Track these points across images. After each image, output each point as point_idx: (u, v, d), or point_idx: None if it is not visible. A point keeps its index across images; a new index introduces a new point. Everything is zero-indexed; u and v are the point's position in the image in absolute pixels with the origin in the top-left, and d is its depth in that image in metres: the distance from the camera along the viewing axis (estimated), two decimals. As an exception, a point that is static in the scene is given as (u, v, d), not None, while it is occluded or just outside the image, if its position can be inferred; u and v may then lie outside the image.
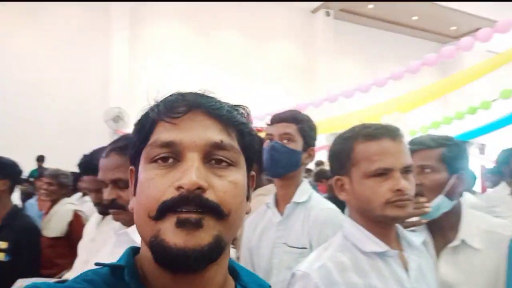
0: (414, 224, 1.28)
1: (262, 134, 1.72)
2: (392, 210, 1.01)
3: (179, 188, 0.52)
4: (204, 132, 0.56)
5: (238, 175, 0.58)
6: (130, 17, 7.85)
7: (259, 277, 0.70)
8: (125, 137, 1.26)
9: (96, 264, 0.61)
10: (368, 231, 1.05)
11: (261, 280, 0.69)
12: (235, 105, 0.62)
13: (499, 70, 5.32)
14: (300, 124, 1.60)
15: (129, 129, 6.61)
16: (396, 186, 1.00)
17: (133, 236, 1.15)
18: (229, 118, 0.59)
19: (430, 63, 4.28)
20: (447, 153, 1.35)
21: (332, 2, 8.94)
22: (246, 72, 8.44)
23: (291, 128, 1.58)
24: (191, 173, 0.53)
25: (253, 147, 0.63)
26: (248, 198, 0.62)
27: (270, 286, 0.70)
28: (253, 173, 0.65)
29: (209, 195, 0.53)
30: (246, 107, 0.64)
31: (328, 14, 9.06)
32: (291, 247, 1.48)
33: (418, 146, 1.37)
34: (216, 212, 0.53)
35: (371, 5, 9.21)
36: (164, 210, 0.52)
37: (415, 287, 1.02)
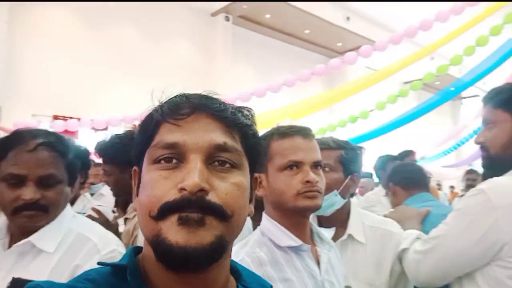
0: None
1: None
2: (303, 201, 1.07)
3: (181, 190, 0.52)
4: (207, 134, 0.56)
5: (241, 177, 0.58)
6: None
7: (261, 277, 0.70)
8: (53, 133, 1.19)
9: (99, 263, 0.60)
10: (283, 226, 1.10)
11: (263, 280, 0.69)
12: (239, 107, 0.62)
13: (376, 85, 5.97)
14: None
15: (3, 123, 5.88)
16: (306, 178, 1.07)
17: (40, 245, 1.08)
18: (233, 120, 0.59)
19: (319, 73, 4.62)
20: (345, 155, 1.49)
21: (232, 8, 9.09)
22: (140, 71, 8.09)
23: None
24: (194, 175, 0.52)
25: (257, 149, 0.63)
26: (251, 200, 0.62)
27: (271, 286, 0.69)
28: (256, 175, 0.65)
29: (212, 197, 0.53)
30: (251, 109, 0.64)
31: (227, 19, 9.19)
32: None
33: (320, 145, 1.46)
34: (219, 213, 0.53)
35: (268, 15, 9.59)
36: (166, 211, 0.52)
37: (326, 279, 1.09)
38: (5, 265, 1.07)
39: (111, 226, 1.79)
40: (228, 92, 8.16)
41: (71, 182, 1.18)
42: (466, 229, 1.23)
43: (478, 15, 4.97)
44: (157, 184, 0.54)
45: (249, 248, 1.09)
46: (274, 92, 4.77)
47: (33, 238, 1.08)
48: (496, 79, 7.26)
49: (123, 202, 2.00)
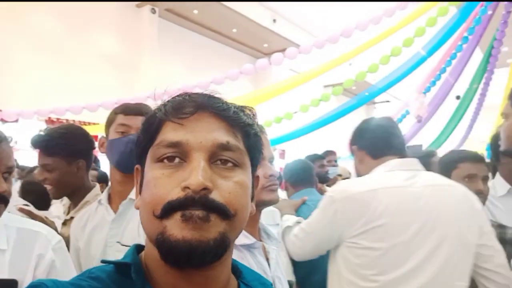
0: None
1: (91, 129, 1.61)
2: (267, 195, 1.12)
3: (185, 188, 0.53)
4: (210, 133, 0.57)
5: (243, 176, 0.58)
6: None
7: (261, 275, 0.70)
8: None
9: (102, 261, 0.60)
10: None
11: (263, 278, 0.70)
12: (241, 106, 0.63)
13: (300, 87, 6.22)
14: None
15: None
16: (269, 172, 1.13)
17: None
18: (236, 119, 0.59)
19: (247, 73, 4.69)
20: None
21: (157, 1, 8.84)
22: (60, 61, 7.53)
23: None
24: (198, 173, 0.53)
25: (258, 148, 0.64)
26: (252, 198, 0.63)
27: (272, 284, 0.70)
28: (257, 174, 0.65)
29: (215, 196, 0.53)
30: (252, 108, 0.65)
31: (153, 11, 8.91)
32: (125, 245, 1.40)
33: None
34: (222, 212, 0.53)
35: (195, 11, 9.50)
36: (169, 209, 0.52)
37: (275, 275, 1.13)
38: None
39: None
40: (154, 85, 7.91)
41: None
42: (317, 219, 1.57)
43: (393, 27, 5.42)
44: (160, 183, 0.55)
45: None
46: (202, 89, 4.74)
47: None
48: (404, 87, 7.97)
49: (76, 201, 1.85)
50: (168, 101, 0.61)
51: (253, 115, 0.65)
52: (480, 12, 5.79)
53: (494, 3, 5.83)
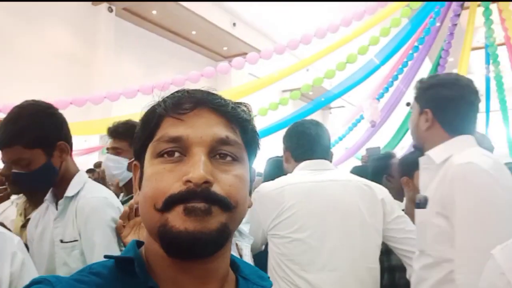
0: None
1: None
2: None
3: (186, 182, 0.54)
4: (210, 128, 0.58)
5: (242, 170, 0.60)
6: None
7: (259, 269, 0.71)
8: None
9: (105, 256, 0.60)
10: None
11: (261, 272, 0.71)
12: (237, 103, 0.64)
13: (258, 92, 6.29)
14: None
15: None
16: None
17: None
18: (234, 115, 0.61)
19: (208, 75, 4.69)
20: None
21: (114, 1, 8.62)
22: (12, 56, 7.15)
23: None
24: (199, 167, 0.54)
25: (255, 143, 0.66)
26: (250, 192, 0.64)
27: (269, 277, 0.71)
28: (254, 168, 0.62)
29: (216, 189, 0.55)
30: (248, 104, 0.66)
31: (110, 10, 8.68)
32: (65, 242, 1.42)
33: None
34: (224, 204, 0.55)
35: (154, 11, 9.35)
36: (171, 202, 0.54)
37: None
38: None
39: None
40: (110, 85, 7.71)
41: None
42: (250, 219, 1.81)
43: (348, 35, 5.62)
44: (161, 177, 0.55)
45: None
46: (162, 91, 4.68)
47: None
48: (358, 93, 8.27)
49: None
50: (167, 97, 0.62)
51: (249, 111, 0.66)
52: (429, 23, 6.14)
53: (441, 15, 6.20)
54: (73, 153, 1.58)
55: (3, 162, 1.58)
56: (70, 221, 1.44)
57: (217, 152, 0.58)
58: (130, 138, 1.92)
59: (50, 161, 1.42)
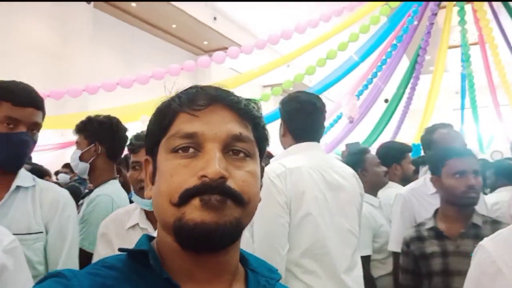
0: None
1: None
2: None
3: (202, 177, 0.54)
4: (224, 124, 0.59)
5: (254, 166, 0.61)
6: None
7: (267, 262, 0.71)
8: None
9: (120, 249, 0.60)
10: None
11: (269, 265, 0.70)
12: (247, 99, 0.64)
13: (240, 87, 6.30)
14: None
15: None
16: None
17: None
18: (247, 111, 0.62)
19: (189, 69, 4.67)
20: None
21: (94, -10, 8.45)
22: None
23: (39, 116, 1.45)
24: (214, 163, 0.55)
25: (266, 139, 0.66)
26: (260, 187, 0.64)
27: (277, 270, 0.70)
28: (263, 164, 0.67)
29: (231, 184, 0.55)
30: (258, 101, 0.66)
31: (88, 1, 8.48)
32: (20, 234, 1.31)
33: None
34: (238, 199, 0.56)
35: (133, 4, 9.21)
36: (187, 197, 0.54)
37: None
38: None
39: None
40: (87, 78, 7.57)
41: None
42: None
43: (328, 32, 5.68)
44: (176, 172, 0.56)
45: None
46: (141, 84, 4.64)
47: None
48: (337, 90, 8.37)
49: None
50: (181, 92, 0.62)
51: (259, 108, 0.66)
52: (407, 22, 6.26)
53: (419, 14, 6.33)
54: (50, 147, 1.55)
55: None
56: (23, 212, 1.38)
57: (231, 148, 0.59)
58: (86, 132, 1.98)
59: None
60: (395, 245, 2.14)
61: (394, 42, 6.63)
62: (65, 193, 1.50)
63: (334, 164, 1.83)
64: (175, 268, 0.59)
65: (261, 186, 0.65)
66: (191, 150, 0.58)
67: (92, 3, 8.66)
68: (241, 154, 0.60)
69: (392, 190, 2.60)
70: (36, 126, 1.41)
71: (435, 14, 6.21)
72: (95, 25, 8.77)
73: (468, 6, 6.26)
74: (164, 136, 0.60)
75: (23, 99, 1.36)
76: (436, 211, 1.84)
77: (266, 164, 1.87)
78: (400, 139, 7.99)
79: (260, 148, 0.65)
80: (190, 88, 0.63)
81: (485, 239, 1.06)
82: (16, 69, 7.25)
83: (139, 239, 0.64)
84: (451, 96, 12.55)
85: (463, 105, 8.57)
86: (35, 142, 1.42)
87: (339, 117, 7.74)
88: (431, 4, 5.98)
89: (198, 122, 0.58)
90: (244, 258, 0.68)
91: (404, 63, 7.80)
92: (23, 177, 1.43)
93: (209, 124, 0.58)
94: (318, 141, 1.86)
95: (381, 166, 2.56)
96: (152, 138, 0.63)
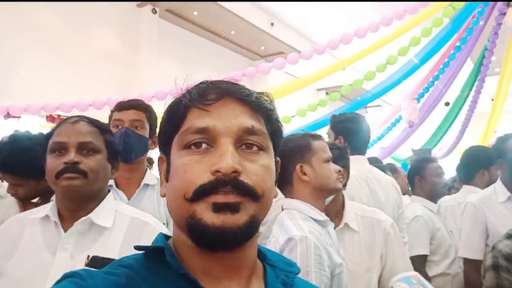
0: None
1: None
2: (339, 184, 1.46)
3: (215, 172, 0.54)
4: (236, 118, 0.58)
5: (268, 159, 0.60)
6: None
7: (285, 257, 0.71)
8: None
9: (135, 247, 0.61)
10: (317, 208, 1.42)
11: (287, 259, 0.70)
12: (259, 92, 0.64)
13: (298, 92, 6.39)
14: (148, 112, 1.78)
15: None
16: (338, 168, 1.49)
17: (99, 221, 1.17)
18: (258, 104, 0.61)
19: (250, 75, 4.85)
20: (334, 154, 1.69)
21: (159, 1, 8.95)
22: (59, 59, 7.55)
23: (141, 116, 1.74)
24: (228, 157, 0.54)
25: (280, 133, 0.66)
26: (275, 182, 0.64)
27: (295, 263, 0.70)
28: (278, 158, 0.66)
29: (244, 178, 0.55)
30: (270, 94, 0.67)
31: (154, 11, 9.02)
32: None
33: None
34: (252, 194, 0.55)
35: (195, 12, 9.63)
36: (201, 192, 0.54)
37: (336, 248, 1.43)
38: (68, 245, 1.12)
39: None
40: (152, 85, 8.00)
41: (112, 159, 1.26)
42: None
43: (388, 36, 5.62)
44: (190, 168, 0.56)
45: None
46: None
47: (92, 215, 1.16)
48: (395, 93, 8.20)
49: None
50: (192, 88, 0.62)
51: (271, 100, 0.66)
52: (472, 23, 6.04)
53: (486, 14, 6.08)
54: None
55: None
56: (150, 207, 1.65)
57: (244, 142, 0.58)
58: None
59: None
60: (465, 252, 2.17)
61: (458, 44, 6.41)
62: None
63: (376, 174, 2.18)
64: (192, 264, 0.59)
65: (276, 181, 0.64)
66: (203, 145, 0.57)
67: (158, 13, 9.17)
68: (254, 148, 0.59)
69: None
70: (137, 123, 1.73)
71: (504, 14, 5.94)
72: (160, 35, 9.27)
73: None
74: (177, 132, 0.60)
75: (123, 106, 1.74)
76: None
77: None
78: (463, 144, 7.69)
79: (274, 142, 0.64)
80: (201, 83, 0.62)
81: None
82: (88, 78, 7.88)
83: (156, 237, 0.64)
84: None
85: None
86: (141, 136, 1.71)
87: (397, 121, 7.59)
88: (500, 3, 5.73)
89: (210, 117, 0.58)
90: (262, 253, 0.67)
91: (468, 66, 7.50)
92: (149, 176, 1.73)
93: (220, 118, 0.58)
94: (364, 155, 2.28)
95: (441, 177, 2.74)
96: (165, 135, 0.63)
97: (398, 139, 7.91)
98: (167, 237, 0.65)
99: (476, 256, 2.06)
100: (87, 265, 1.08)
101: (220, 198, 0.54)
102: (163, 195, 0.62)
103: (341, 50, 5.40)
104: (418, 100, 7.08)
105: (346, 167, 1.79)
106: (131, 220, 1.21)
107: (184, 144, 0.58)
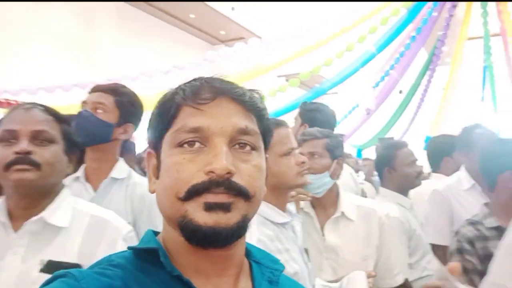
0: (302, 199, 1.58)
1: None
2: (300, 179, 1.29)
3: (209, 172, 0.54)
4: (230, 118, 0.58)
5: (260, 159, 0.60)
6: None
7: (269, 253, 0.71)
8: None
9: (129, 248, 0.60)
10: (276, 206, 1.28)
11: (271, 256, 0.71)
12: (250, 90, 0.63)
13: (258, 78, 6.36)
14: (119, 97, 1.56)
15: None
16: (301, 160, 1.28)
17: (53, 221, 1.05)
18: (252, 104, 0.61)
19: (211, 60, 4.78)
20: (330, 143, 1.68)
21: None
22: (16, 40, 7.08)
23: (107, 99, 1.53)
24: (222, 158, 0.54)
25: (270, 131, 0.66)
26: (265, 180, 0.64)
27: (279, 260, 0.71)
28: (267, 155, 0.66)
29: (237, 179, 0.55)
30: (260, 91, 0.66)
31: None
32: None
33: (308, 136, 1.71)
34: (244, 194, 0.56)
35: (154, -6, 9.30)
36: (194, 192, 0.54)
37: (300, 245, 1.32)
38: (19, 247, 1.01)
39: None
40: (110, 67, 7.70)
41: (69, 151, 1.13)
42: None
43: (347, 26, 5.72)
44: (182, 167, 0.55)
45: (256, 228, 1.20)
46: (163, 74, 4.77)
47: (44, 214, 1.04)
48: (350, 81, 8.38)
49: None
50: (185, 85, 0.61)
51: (262, 98, 0.65)
52: (427, 13, 6.26)
53: (439, 5, 6.32)
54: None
55: None
56: (115, 204, 1.46)
57: (237, 141, 0.58)
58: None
59: None
60: (434, 238, 2.15)
61: (413, 34, 6.63)
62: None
63: None
64: (183, 262, 0.59)
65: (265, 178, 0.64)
66: (197, 144, 0.57)
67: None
68: (247, 148, 0.59)
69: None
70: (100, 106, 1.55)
71: (455, 6, 6.20)
72: (119, 16, 8.91)
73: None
74: (168, 129, 0.59)
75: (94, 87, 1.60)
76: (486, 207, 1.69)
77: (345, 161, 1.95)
78: (414, 131, 8.02)
79: (265, 141, 0.64)
80: (194, 80, 0.62)
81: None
82: (45, 59, 7.44)
83: (145, 235, 0.63)
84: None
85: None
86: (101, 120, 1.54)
87: (354, 108, 7.78)
88: (451, -4, 5.97)
89: (203, 116, 0.57)
90: (247, 250, 0.67)
91: (422, 55, 7.78)
92: (119, 169, 1.55)
93: (214, 118, 0.57)
94: None
95: (415, 165, 2.29)
96: (156, 131, 0.62)
97: (354, 127, 8.12)
98: (156, 233, 0.64)
99: (445, 242, 2.02)
100: (42, 270, 0.99)
101: (212, 198, 0.54)
102: (152, 192, 0.62)
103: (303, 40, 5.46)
104: (374, 88, 7.28)
105: (342, 156, 1.75)
106: (91, 219, 1.11)
107: (176, 143, 0.58)
